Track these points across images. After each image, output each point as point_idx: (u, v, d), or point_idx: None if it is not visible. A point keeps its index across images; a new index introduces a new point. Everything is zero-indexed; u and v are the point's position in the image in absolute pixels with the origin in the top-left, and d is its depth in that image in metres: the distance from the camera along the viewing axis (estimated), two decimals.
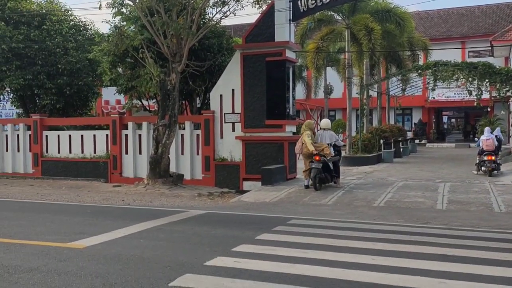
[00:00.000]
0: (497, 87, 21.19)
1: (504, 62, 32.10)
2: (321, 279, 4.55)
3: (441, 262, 5.06)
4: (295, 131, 13.93)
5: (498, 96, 23.61)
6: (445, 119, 71.27)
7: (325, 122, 12.16)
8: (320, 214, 8.77)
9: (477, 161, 16.17)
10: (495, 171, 15.06)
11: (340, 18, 22.12)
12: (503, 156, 22.62)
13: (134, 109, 19.98)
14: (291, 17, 13.32)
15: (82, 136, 16.18)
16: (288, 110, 13.34)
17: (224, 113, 13.85)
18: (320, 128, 12.04)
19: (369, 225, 7.60)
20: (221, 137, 13.90)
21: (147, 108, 18.74)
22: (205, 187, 13.13)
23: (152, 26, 12.42)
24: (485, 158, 15.41)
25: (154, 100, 18.43)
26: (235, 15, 13.79)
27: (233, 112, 13.72)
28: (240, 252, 5.70)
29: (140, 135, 15.09)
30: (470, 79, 21.11)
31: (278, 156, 13.18)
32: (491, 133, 16.98)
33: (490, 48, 33.29)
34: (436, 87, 21.95)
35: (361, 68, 23.63)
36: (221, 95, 13.93)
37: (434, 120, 41.10)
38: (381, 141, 23.23)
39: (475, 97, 22.08)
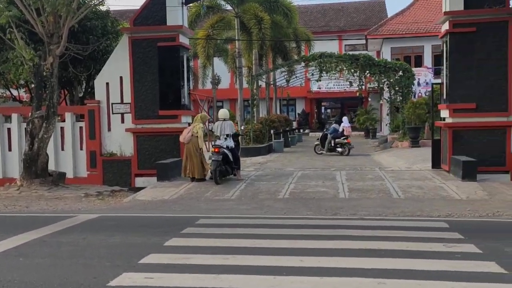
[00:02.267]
0: (376, 78, 22.59)
1: (376, 55, 34.42)
2: None
3: (372, 259, 4.80)
4: (191, 121, 13.12)
5: (376, 87, 25.27)
6: (323, 109, 75.48)
7: (224, 112, 11.58)
8: (227, 211, 8.20)
9: (332, 144, 19.41)
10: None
11: (229, 7, 21.72)
12: (381, 143, 24.25)
13: (0, 100, 17.51)
14: (184, 0, 12.46)
15: None
16: (183, 100, 12.51)
17: (112, 103, 12.54)
18: (219, 119, 11.42)
19: (281, 220, 7.22)
20: (109, 129, 12.59)
21: (17, 98, 16.47)
22: (91, 186, 11.76)
23: (23, 0, 10.68)
24: (345, 141, 19.27)
25: (25, 89, 16.26)
26: None
27: (122, 102, 12.48)
28: (149, 264, 4.86)
29: (9, 129, 13.08)
30: (352, 70, 22.16)
31: (174, 149, 12.31)
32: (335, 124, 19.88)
33: (365, 42, 35.65)
34: (321, 78, 22.63)
35: (250, 58, 23.50)
36: (107, 83, 12.58)
37: (316, 111, 42.97)
38: (272, 131, 23.40)
39: (357, 88, 23.31)
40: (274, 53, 29.12)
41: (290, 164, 16.86)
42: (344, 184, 10.57)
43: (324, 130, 19.73)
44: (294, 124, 39.45)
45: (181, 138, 11.59)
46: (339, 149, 19.22)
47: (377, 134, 32.50)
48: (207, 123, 11.87)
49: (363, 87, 23.44)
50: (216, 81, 37.15)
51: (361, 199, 9.04)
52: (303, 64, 23.52)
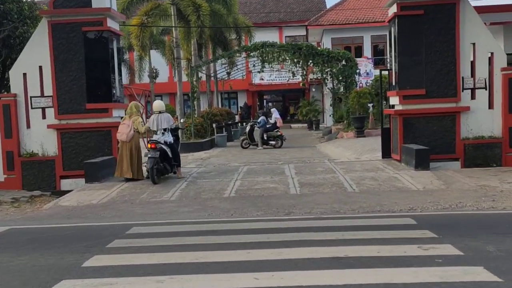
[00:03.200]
0: (319, 68, 22.12)
1: (317, 46, 34.16)
2: None
3: (342, 271, 3.98)
4: (123, 115, 11.82)
5: (319, 78, 24.85)
6: (265, 102, 75.23)
7: (159, 104, 10.38)
8: (165, 215, 7.15)
9: (265, 137, 18.66)
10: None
11: None
12: (325, 135, 23.90)
13: None
14: None
15: None
16: (114, 91, 11.22)
17: (31, 97, 10.99)
18: (154, 112, 10.24)
19: (229, 225, 6.28)
20: (28, 126, 11.04)
21: None
22: (8, 191, 10.23)
23: None
24: (278, 133, 18.87)
25: None
26: None
27: (42, 95, 10.96)
28: None
29: None
30: (295, 60, 21.55)
31: (105, 146, 11.01)
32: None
33: (305, 33, 35.34)
34: (264, 69, 21.86)
35: (189, 48, 22.33)
36: (24, 74, 11.02)
37: (258, 103, 42.30)
38: (214, 125, 22.40)
39: (301, 78, 22.77)
40: (214, 44, 28.02)
41: (234, 158, 15.95)
42: (294, 178, 9.79)
43: (250, 123, 18.92)
44: (237, 118, 38.66)
45: (120, 136, 10.34)
46: (272, 142, 18.72)
47: (320, 125, 32.36)
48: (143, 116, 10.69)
49: (305, 77, 22.93)
50: (153, 74, 35.49)
51: (314, 194, 8.29)
52: (244, 55, 22.66)
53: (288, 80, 25.32)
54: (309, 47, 21.08)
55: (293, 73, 23.05)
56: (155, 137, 10.10)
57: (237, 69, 28.64)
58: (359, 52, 31.77)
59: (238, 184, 9.47)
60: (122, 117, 11.61)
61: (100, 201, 8.50)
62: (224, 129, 23.69)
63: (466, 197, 7.37)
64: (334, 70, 21.85)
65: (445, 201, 7.20)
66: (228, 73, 29.63)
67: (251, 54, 22.20)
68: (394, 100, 11.36)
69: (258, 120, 18.89)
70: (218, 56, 23.15)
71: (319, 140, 22.87)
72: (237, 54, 24.96)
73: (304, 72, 22.24)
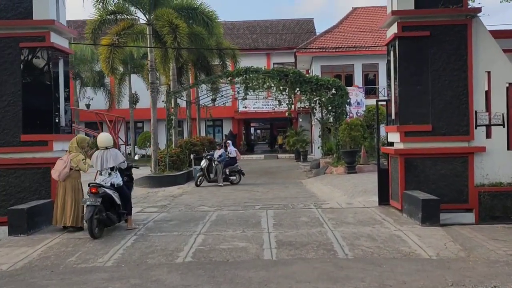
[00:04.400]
0: (307, 96, 20.42)
1: (305, 74, 32.73)
2: None
3: None
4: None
5: (306, 106, 23.14)
6: (252, 130, 73.71)
7: (104, 138, 8.35)
8: None
9: (227, 172, 16.87)
10: None
11: (141, 14, 18.67)
12: (313, 168, 22.05)
13: None
14: None
15: None
16: (58, 120, 9.27)
17: None
18: (99, 147, 8.26)
19: None
20: None
21: None
22: None
23: None
24: (238, 167, 17.29)
25: None
26: None
27: None
28: None
29: None
30: (281, 87, 19.86)
31: (43, 187, 9.01)
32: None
33: (294, 60, 33.92)
34: (247, 96, 20.12)
35: (168, 73, 20.57)
36: None
37: (244, 132, 40.50)
38: (191, 156, 20.48)
39: (287, 107, 21.02)
40: (197, 69, 26.40)
41: (209, 197, 14.03)
42: (271, 233, 7.82)
43: (207, 157, 16.88)
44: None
45: (54, 174, 8.40)
46: (232, 177, 17.13)
47: (309, 156, 30.58)
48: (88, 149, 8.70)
49: (293, 106, 21.18)
50: (134, 99, 33.69)
51: (295, 261, 6.31)
52: (228, 81, 20.93)
53: (274, 108, 23.49)
54: (296, 74, 19.43)
55: (279, 101, 21.32)
56: (99, 179, 8.11)
57: (221, 96, 26.96)
58: (349, 80, 30.36)
59: (200, 240, 7.47)
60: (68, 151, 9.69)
61: (12, 266, 6.43)
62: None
63: (500, 276, 5.44)
64: (323, 99, 20.19)
65: (471, 281, 5.28)
66: (213, 100, 27.94)
67: (234, 80, 20.55)
68: (393, 136, 9.54)
69: (219, 154, 16.96)
70: (198, 82, 21.46)
71: (306, 174, 21.01)
72: (221, 80, 23.30)
73: (291, 101, 20.48)
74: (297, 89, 19.47)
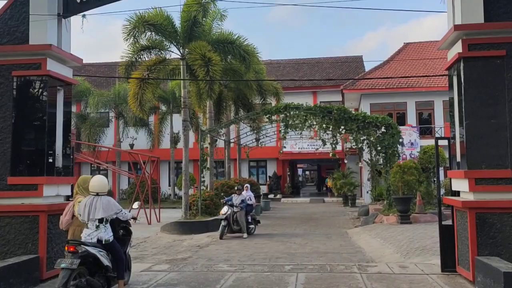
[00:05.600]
0: (354, 136, 18.47)
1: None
2: None
3: None
4: (69, 194, 8.42)
5: (354, 146, 21.13)
6: (300, 171, 71.52)
7: (98, 181, 6.78)
8: None
9: (249, 220, 14.67)
10: None
11: (175, 49, 17.73)
12: (361, 215, 19.79)
13: None
14: (62, 10, 8.24)
15: None
16: (52, 160, 7.93)
17: None
18: (90, 192, 6.75)
19: None
20: None
21: None
22: None
23: None
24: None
25: None
26: None
27: None
28: None
29: None
30: (324, 125, 18.04)
31: (29, 240, 7.59)
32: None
33: (341, 99, 32.12)
34: (287, 134, 18.45)
35: (202, 110, 19.32)
36: None
37: (289, 173, 38.60)
38: (222, 200, 18.81)
39: (331, 147, 19.13)
40: (237, 108, 25.11)
41: (238, 248, 12.28)
42: None
43: (227, 202, 14.40)
44: (265, 189, 34.98)
45: (62, 225, 7.04)
46: (251, 226, 14.85)
47: (357, 200, 28.18)
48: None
49: (337, 146, 19.25)
50: (175, 139, 32.93)
51: None
52: (267, 118, 19.43)
53: (318, 148, 21.63)
54: (341, 111, 17.61)
55: (323, 140, 19.46)
56: (85, 233, 6.55)
57: (263, 136, 25.47)
58: (402, 119, 28.08)
59: None
60: (68, 197, 8.33)
61: None
62: None
63: None
64: (371, 138, 18.18)
65: None
66: (257, 140, 26.51)
67: (274, 118, 19.03)
68: (459, 184, 7.46)
69: (241, 199, 14.43)
70: (235, 119, 20.01)
71: (353, 222, 18.77)
72: (265, 119, 21.82)
73: (336, 140, 18.59)
74: (342, 127, 17.59)
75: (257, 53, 19.96)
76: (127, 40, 16.07)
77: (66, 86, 8.43)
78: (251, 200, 15.02)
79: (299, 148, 33.71)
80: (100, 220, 6.50)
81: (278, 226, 17.61)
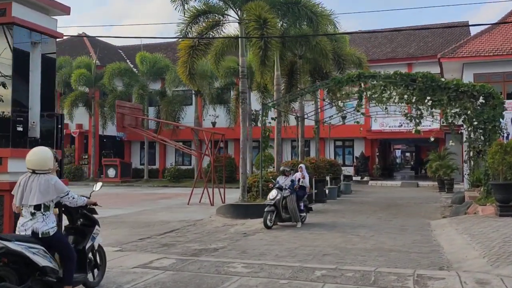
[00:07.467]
0: (444, 109, 15.26)
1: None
2: None
3: None
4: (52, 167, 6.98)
5: (446, 123, 17.76)
6: (398, 153, 66.44)
7: (36, 154, 5.08)
8: None
9: (302, 207, 12.22)
10: None
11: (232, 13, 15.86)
12: (454, 203, 16.55)
13: None
14: None
15: None
16: (22, 128, 6.53)
17: None
18: (27, 169, 5.16)
19: None
20: None
21: None
22: None
23: None
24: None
25: None
26: None
27: None
28: None
29: None
30: (406, 96, 15.08)
31: None
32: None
33: (439, 70, 28.03)
34: (361, 107, 15.82)
35: (264, 80, 17.35)
36: None
37: (378, 154, 35.18)
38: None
39: (413, 124, 16.04)
40: (314, 79, 22.66)
41: (283, 240, 10.39)
42: None
43: (276, 186, 11.96)
44: (351, 170, 32.23)
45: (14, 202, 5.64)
46: (302, 214, 12.39)
47: (456, 186, 24.38)
48: None
49: (421, 121, 16.07)
50: (253, 117, 31.39)
51: None
52: (338, 90, 16.93)
53: (402, 125, 18.61)
54: (427, 78, 14.55)
55: (410, 117, 16.43)
56: (19, 223, 4.99)
57: (350, 113, 22.70)
58: None
59: None
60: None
61: None
62: (313, 186, 17.67)
63: None
64: (468, 112, 14.82)
65: None
66: (344, 117, 23.90)
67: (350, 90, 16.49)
68: None
69: (290, 180, 12.07)
70: (300, 91, 17.70)
71: (442, 211, 15.78)
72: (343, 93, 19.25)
73: (419, 114, 15.53)
74: (428, 98, 14.51)
75: (329, 15, 17.35)
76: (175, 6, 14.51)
77: (45, 38, 6.94)
78: (305, 182, 12.73)
79: (389, 126, 30.35)
80: (37, 207, 4.88)
81: (349, 213, 15.22)
